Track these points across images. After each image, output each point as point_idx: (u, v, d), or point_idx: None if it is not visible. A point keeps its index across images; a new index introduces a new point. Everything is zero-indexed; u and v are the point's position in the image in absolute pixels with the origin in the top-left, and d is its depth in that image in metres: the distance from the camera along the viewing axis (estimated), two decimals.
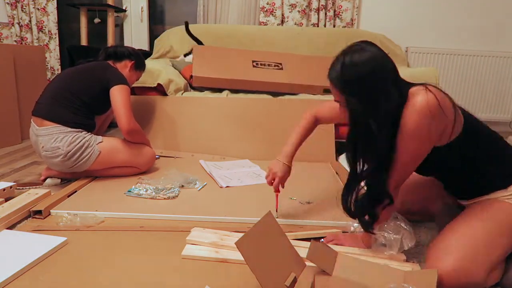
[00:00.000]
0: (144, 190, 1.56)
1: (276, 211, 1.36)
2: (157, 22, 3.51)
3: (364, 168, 1.03)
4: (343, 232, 1.27)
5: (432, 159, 1.02)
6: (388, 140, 0.97)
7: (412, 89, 0.97)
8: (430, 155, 1.01)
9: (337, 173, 1.95)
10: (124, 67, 1.88)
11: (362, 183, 1.07)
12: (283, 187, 1.33)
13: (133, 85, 2.29)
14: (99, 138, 1.68)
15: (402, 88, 0.98)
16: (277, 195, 1.35)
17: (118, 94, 1.70)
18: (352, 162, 1.07)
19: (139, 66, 1.97)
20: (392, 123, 0.96)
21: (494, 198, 1.05)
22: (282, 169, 1.29)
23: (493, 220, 1.00)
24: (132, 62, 1.91)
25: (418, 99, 0.94)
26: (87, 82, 1.70)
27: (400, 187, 1.05)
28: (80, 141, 1.60)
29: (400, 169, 1.01)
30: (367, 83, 0.95)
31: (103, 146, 1.66)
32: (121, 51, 1.89)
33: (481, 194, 1.08)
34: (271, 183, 1.31)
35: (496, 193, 1.05)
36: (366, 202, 1.04)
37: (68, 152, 1.58)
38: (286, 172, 1.30)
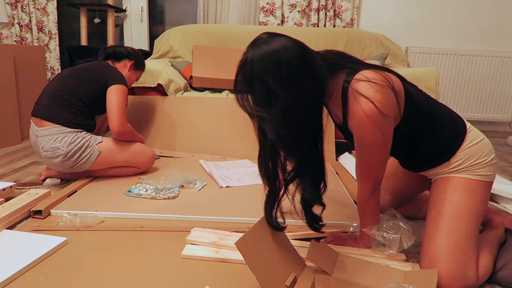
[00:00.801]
0: (144, 190, 1.56)
1: None
2: (157, 22, 3.51)
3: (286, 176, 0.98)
4: (343, 232, 1.27)
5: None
6: (298, 143, 0.91)
7: (350, 92, 0.92)
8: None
9: (337, 173, 1.95)
10: (123, 67, 1.88)
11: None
12: None
13: (133, 85, 2.30)
14: (99, 138, 1.68)
15: (319, 76, 0.89)
16: None
17: (114, 94, 1.69)
18: (267, 176, 0.98)
19: (139, 66, 1.97)
20: (307, 123, 0.90)
21: (443, 175, 1.08)
22: None
23: (462, 206, 1.02)
24: (132, 62, 1.91)
25: (358, 112, 0.91)
26: (87, 83, 1.69)
27: (379, 187, 1.06)
28: (80, 141, 1.60)
29: (372, 172, 1.03)
30: (255, 85, 0.85)
31: (103, 146, 1.67)
32: (120, 51, 1.89)
33: (428, 168, 1.11)
34: None
35: (441, 167, 1.08)
36: (303, 206, 1.02)
37: (68, 153, 1.58)
38: None
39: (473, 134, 1.07)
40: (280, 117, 0.86)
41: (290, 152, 0.93)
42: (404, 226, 1.06)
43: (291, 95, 0.85)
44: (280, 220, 1.02)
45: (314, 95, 0.89)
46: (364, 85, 0.91)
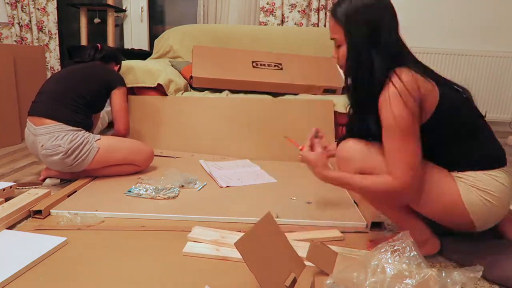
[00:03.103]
0: (144, 190, 1.57)
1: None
2: (157, 22, 3.51)
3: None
4: (341, 233, 1.27)
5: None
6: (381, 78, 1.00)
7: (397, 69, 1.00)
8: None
9: None
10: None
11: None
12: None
13: (133, 85, 2.31)
14: (97, 136, 1.70)
15: (401, 43, 1.06)
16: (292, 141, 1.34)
17: (120, 98, 1.81)
18: (354, 102, 1.10)
19: (120, 68, 2.10)
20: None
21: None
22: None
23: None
24: (118, 65, 2.03)
25: (386, 89, 0.99)
26: (92, 82, 1.74)
27: (417, 174, 1.00)
28: (80, 138, 1.61)
29: (400, 159, 0.99)
30: (373, 13, 1.03)
31: (102, 143, 1.67)
32: (108, 56, 1.97)
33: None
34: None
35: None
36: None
37: (69, 150, 1.58)
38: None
39: (507, 178, 1.02)
40: (383, 48, 1.01)
41: (376, 80, 1.02)
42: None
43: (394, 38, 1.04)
44: None
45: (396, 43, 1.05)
46: (402, 72, 0.99)
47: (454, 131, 1.04)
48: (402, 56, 1.05)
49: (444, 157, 1.06)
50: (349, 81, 1.08)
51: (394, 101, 0.97)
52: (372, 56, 1.01)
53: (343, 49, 1.06)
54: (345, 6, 1.04)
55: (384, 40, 1.01)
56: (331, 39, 1.09)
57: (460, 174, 1.03)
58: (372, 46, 1.01)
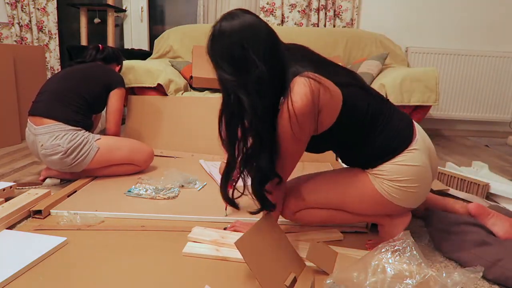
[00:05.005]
0: (144, 190, 1.56)
1: (226, 209, 1.39)
2: (157, 22, 3.51)
3: (245, 150, 1.01)
4: (341, 232, 1.27)
5: (320, 141, 1.06)
6: (264, 117, 0.94)
7: (293, 80, 0.94)
8: (319, 138, 1.04)
9: None
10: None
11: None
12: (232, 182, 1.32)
13: (133, 85, 2.31)
14: (97, 135, 1.70)
15: (283, 61, 0.96)
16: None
17: (116, 99, 1.83)
18: (229, 145, 1.04)
19: (121, 69, 2.12)
20: (271, 101, 0.94)
21: (369, 173, 1.09)
22: (221, 166, 1.32)
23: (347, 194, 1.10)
24: (119, 66, 2.05)
25: (283, 108, 0.93)
26: (92, 82, 1.75)
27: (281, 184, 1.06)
28: (79, 138, 1.61)
29: (284, 161, 1.02)
30: (235, 53, 0.90)
31: (101, 142, 1.67)
32: (109, 56, 1.98)
33: (358, 166, 1.13)
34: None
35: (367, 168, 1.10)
36: (256, 185, 1.02)
37: (68, 149, 1.59)
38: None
39: (414, 157, 1.04)
40: (254, 86, 0.91)
41: (257, 122, 0.94)
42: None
43: (265, 67, 0.90)
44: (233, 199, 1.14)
45: (277, 71, 0.94)
46: (297, 87, 0.92)
47: (359, 130, 1.05)
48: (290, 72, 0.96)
49: (358, 158, 1.12)
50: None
51: (285, 118, 0.94)
52: (242, 98, 0.92)
53: None
54: (209, 44, 0.94)
55: (252, 82, 0.90)
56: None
57: (374, 170, 1.07)
58: (239, 86, 0.92)
